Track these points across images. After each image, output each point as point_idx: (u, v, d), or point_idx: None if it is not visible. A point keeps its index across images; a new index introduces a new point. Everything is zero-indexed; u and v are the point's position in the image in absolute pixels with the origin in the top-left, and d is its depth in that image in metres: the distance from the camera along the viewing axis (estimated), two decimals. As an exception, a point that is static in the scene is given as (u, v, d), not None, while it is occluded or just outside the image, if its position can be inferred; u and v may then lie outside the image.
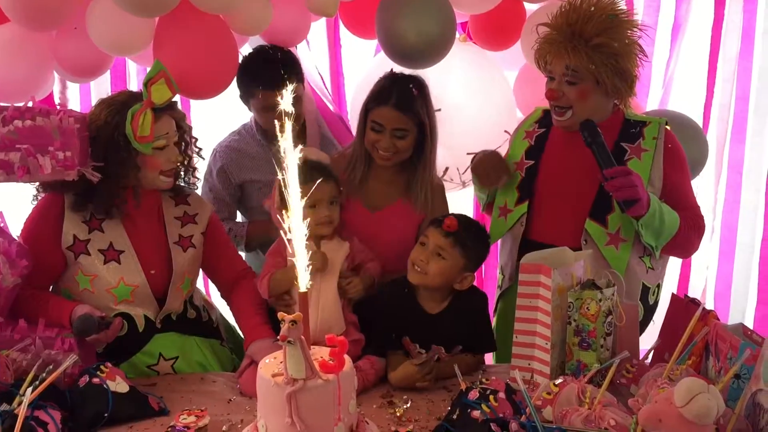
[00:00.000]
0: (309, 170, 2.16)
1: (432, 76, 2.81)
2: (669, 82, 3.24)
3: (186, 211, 2.27)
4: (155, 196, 2.22)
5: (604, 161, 2.14)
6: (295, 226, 1.48)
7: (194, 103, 3.08)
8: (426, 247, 2.14)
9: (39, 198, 2.16)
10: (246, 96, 2.68)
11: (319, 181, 2.08)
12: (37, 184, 2.11)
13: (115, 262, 2.12)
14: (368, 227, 2.38)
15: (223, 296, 2.41)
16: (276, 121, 1.47)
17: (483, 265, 3.33)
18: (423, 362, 2.04)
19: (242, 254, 2.62)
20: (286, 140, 1.48)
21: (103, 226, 2.13)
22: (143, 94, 2.03)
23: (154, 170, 2.12)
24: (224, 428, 1.83)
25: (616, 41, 2.19)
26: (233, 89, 2.66)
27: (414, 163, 2.41)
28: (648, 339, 2.22)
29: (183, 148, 2.21)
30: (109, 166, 2.05)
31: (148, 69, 2.07)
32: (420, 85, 2.38)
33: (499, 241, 2.52)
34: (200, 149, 2.32)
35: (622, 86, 2.23)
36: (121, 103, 2.06)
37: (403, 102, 2.31)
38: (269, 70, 2.52)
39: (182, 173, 2.26)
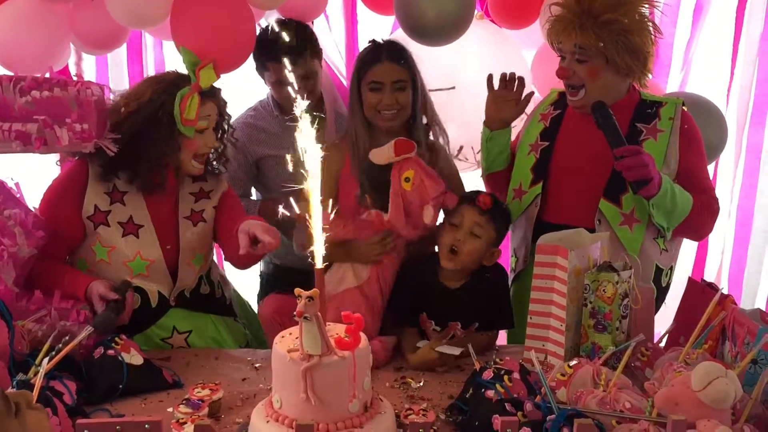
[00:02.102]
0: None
1: (447, 54, 2.79)
2: (689, 63, 3.19)
3: (202, 188, 2.27)
4: (178, 176, 2.21)
5: (616, 142, 2.12)
6: (314, 203, 1.48)
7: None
8: (460, 228, 2.13)
9: (63, 164, 2.16)
10: (261, 69, 2.66)
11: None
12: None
13: (134, 236, 2.12)
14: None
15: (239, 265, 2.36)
16: (291, 94, 1.46)
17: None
18: (444, 352, 2.03)
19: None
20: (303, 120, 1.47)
21: (125, 199, 2.13)
22: (191, 78, 2.05)
23: (189, 152, 2.12)
24: (238, 402, 1.84)
25: (626, 17, 2.17)
26: (251, 66, 2.64)
27: (411, 127, 2.39)
28: (660, 322, 2.21)
29: (220, 135, 2.21)
30: (150, 143, 2.06)
31: (171, 42, 2.07)
32: (399, 45, 2.41)
33: (511, 225, 2.50)
34: (237, 140, 2.33)
35: (634, 64, 2.21)
36: (169, 83, 2.07)
37: (395, 54, 2.34)
38: (283, 44, 2.50)
39: (213, 161, 2.26)
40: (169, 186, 2.17)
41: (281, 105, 2.71)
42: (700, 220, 2.27)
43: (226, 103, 2.23)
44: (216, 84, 2.19)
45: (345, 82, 3.10)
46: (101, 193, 2.11)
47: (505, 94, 2.36)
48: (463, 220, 2.14)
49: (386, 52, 2.34)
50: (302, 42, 2.57)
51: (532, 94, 2.41)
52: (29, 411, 1.19)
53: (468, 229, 2.13)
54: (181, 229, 2.20)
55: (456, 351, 2.03)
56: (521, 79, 2.37)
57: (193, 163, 2.15)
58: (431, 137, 2.44)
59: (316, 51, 2.67)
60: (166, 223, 2.19)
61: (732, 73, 3.15)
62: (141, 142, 2.06)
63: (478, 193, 2.19)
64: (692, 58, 3.18)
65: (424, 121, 2.41)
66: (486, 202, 2.14)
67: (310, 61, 2.61)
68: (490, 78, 2.38)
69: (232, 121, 2.73)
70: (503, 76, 2.38)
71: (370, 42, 2.43)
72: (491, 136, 2.39)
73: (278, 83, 2.62)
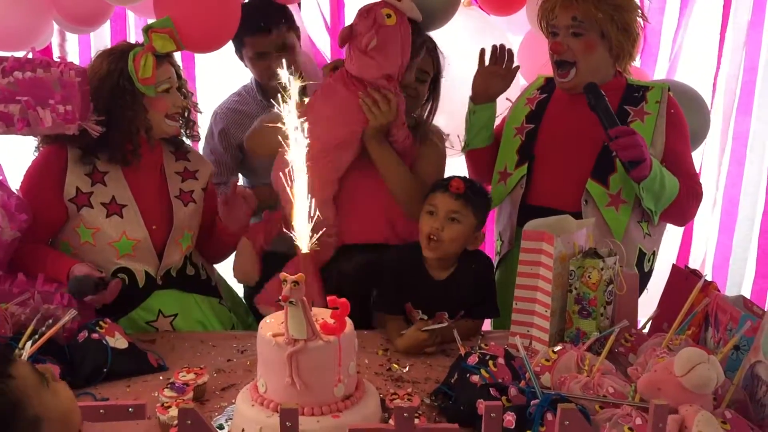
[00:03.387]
0: None
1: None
2: (677, 52, 3.19)
3: (186, 167, 2.27)
4: (156, 151, 2.21)
5: (609, 122, 2.14)
6: (297, 184, 1.47)
7: (198, 66, 3.03)
8: (436, 216, 2.12)
9: (41, 149, 2.14)
10: (238, 48, 2.65)
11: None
12: (40, 137, 2.09)
13: (117, 216, 2.11)
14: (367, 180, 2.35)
15: (209, 259, 2.41)
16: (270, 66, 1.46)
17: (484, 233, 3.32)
18: (432, 329, 2.04)
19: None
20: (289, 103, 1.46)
21: (106, 179, 2.12)
22: (144, 39, 2.04)
23: (159, 112, 2.12)
24: (223, 386, 1.84)
25: None
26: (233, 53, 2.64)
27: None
28: (643, 307, 2.22)
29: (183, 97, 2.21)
30: (118, 113, 2.06)
31: (150, 20, 2.05)
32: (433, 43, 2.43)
33: (495, 208, 2.51)
34: (196, 104, 2.32)
35: (625, 42, 2.26)
36: (121, 51, 2.08)
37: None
38: (255, 16, 2.50)
39: (183, 127, 2.25)
40: (149, 161, 2.16)
41: (264, 88, 2.70)
42: (685, 204, 2.29)
43: (180, 68, 2.24)
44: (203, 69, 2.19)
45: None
46: (82, 175, 2.10)
47: (495, 69, 2.39)
48: (438, 208, 2.12)
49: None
50: (277, 12, 2.58)
51: (518, 67, 2.44)
52: (55, 383, 1.21)
53: (445, 216, 2.10)
54: (174, 207, 2.20)
55: (443, 324, 2.04)
56: (510, 52, 2.41)
57: (167, 122, 2.14)
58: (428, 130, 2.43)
59: (291, 24, 2.66)
60: (152, 202, 2.18)
61: (719, 61, 3.16)
62: (110, 115, 2.06)
63: (450, 178, 2.16)
64: (680, 46, 3.18)
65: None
66: (459, 187, 2.10)
67: (286, 33, 2.60)
68: (482, 52, 2.41)
69: (215, 108, 2.74)
70: (494, 49, 2.41)
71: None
72: (475, 109, 2.41)
73: (256, 57, 2.61)
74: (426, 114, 2.44)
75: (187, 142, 2.35)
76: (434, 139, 2.43)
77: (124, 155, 2.11)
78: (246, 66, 2.71)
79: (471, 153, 2.51)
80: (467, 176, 2.36)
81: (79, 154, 2.09)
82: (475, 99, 2.41)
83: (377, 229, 2.35)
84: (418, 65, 2.33)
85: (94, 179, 2.11)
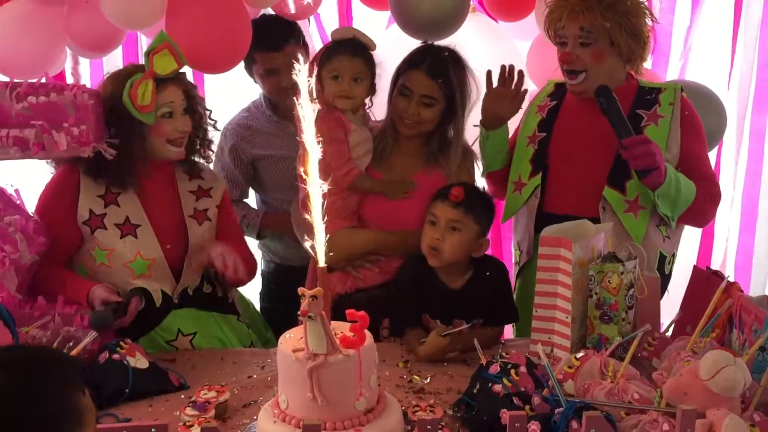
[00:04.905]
0: (335, 45, 2.27)
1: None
2: (689, 51, 3.17)
3: (200, 185, 2.26)
4: (169, 170, 2.21)
5: (622, 128, 2.12)
6: (314, 200, 1.47)
7: (207, 83, 3.05)
8: (437, 225, 2.11)
9: (55, 171, 2.15)
10: (248, 64, 2.66)
11: (343, 53, 2.21)
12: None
13: (132, 236, 2.11)
14: (388, 206, 2.33)
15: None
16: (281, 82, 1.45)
17: (500, 243, 3.30)
18: (451, 332, 2.02)
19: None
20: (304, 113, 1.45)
21: (119, 200, 2.12)
22: (145, 64, 2.03)
23: (160, 138, 2.10)
24: (245, 403, 1.83)
25: (627, 0, 2.20)
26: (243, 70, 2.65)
27: (440, 132, 2.34)
28: (664, 310, 2.20)
29: (196, 119, 2.19)
30: (119, 138, 2.05)
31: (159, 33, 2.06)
32: (455, 55, 2.32)
33: (513, 218, 2.49)
34: (215, 121, 2.31)
35: (635, 47, 2.23)
36: (124, 76, 2.06)
37: (435, 69, 2.26)
38: (265, 33, 2.51)
39: (198, 146, 2.24)
40: (162, 181, 2.16)
41: (274, 104, 2.71)
42: (703, 207, 2.27)
43: (194, 86, 2.23)
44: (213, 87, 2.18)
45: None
46: (94, 196, 2.10)
47: (503, 91, 2.35)
48: (439, 217, 2.11)
49: (428, 63, 2.26)
50: (287, 29, 2.59)
51: (526, 91, 2.40)
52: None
53: (445, 225, 2.10)
54: (189, 227, 2.20)
55: (464, 327, 2.03)
56: (521, 73, 2.36)
57: (168, 147, 2.12)
58: (462, 144, 2.37)
59: (300, 40, 2.67)
60: (166, 222, 2.18)
61: (732, 60, 3.14)
62: (117, 139, 2.05)
63: (450, 186, 2.14)
64: (691, 46, 3.16)
65: (450, 140, 2.34)
66: (458, 195, 2.09)
67: (297, 49, 2.59)
68: (489, 74, 2.36)
69: (225, 123, 2.75)
70: (503, 71, 2.36)
71: (423, 42, 2.38)
72: (488, 135, 2.38)
73: (267, 74, 2.62)
74: (451, 134, 2.35)
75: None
76: (464, 162, 2.37)
77: (122, 181, 2.10)
78: (256, 82, 2.72)
79: (490, 174, 2.50)
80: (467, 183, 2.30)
81: (90, 175, 2.09)
82: (486, 125, 2.36)
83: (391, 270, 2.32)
84: (420, 91, 2.24)
85: (108, 200, 2.11)
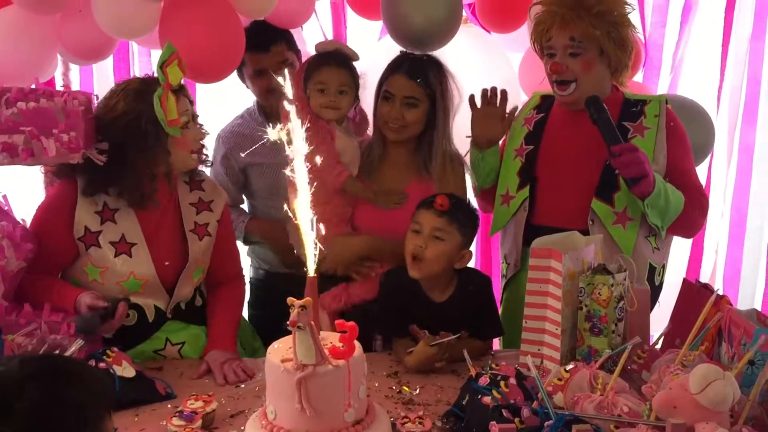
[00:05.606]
0: (320, 57, 2.29)
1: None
2: (679, 65, 3.19)
3: (201, 198, 2.23)
4: (171, 183, 2.18)
5: (611, 137, 2.13)
6: (302, 209, 1.47)
7: (199, 92, 3.05)
8: (421, 233, 2.11)
9: (51, 184, 2.12)
10: (239, 68, 2.65)
11: (328, 66, 2.24)
12: (51, 170, 2.08)
13: (126, 255, 2.08)
14: (380, 215, 2.35)
15: (205, 285, 2.33)
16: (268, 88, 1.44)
17: (490, 256, 3.31)
18: (439, 342, 2.02)
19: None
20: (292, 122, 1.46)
21: (116, 216, 2.08)
22: (159, 78, 1.99)
23: (184, 150, 2.09)
24: (232, 413, 1.82)
25: (614, 10, 2.23)
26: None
27: (427, 139, 2.37)
28: (654, 322, 2.21)
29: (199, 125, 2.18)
30: (135, 155, 2.01)
31: (159, 51, 2.04)
32: (435, 59, 2.38)
33: (500, 231, 2.49)
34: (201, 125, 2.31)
35: (623, 56, 2.26)
36: (137, 91, 2.02)
37: (415, 70, 2.32)
38: (254, 34, 2.52)
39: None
40: (163, 195, 2.13)
41: (266, 111, 2.70)
42: (692, 216, 2.28)
43: (189, 93, 2.22)
44: (208, 94, 2.17)
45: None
46: (91, 212, 2.06)
47: (489, 111, 2.36)
48: (423, 226, 2.11)
49: (407, 66, 2.33)
50: (276, 31, 2.60)
51: (516, 108, 2.40)
52: None
53: (429, 234, 2.10)
54: (189, 242, 2.16)
55: (452, 337, 2.03)
56: (504, 93, 2.37)
57: (192, 157, 2.12)
58: (449, 149, 2.40)
59: (291, 44, 2.67)
60: (166, 237, 2.14)
61: (722, 74, 3.16)
62: (126, 156, 2.01)
63: (435, 195, 2.15)
64: (682, 60, 3.18)
65: (438, 142, 2.36)
66: (443, 204, 2.09)
67: (286, 52, 2.62)
68: (472, 98, 2.38)
69: (219, 131, 2.74)
70: (484, 93, 2.38)
71: (401, 53, 2.43)
72: (482, 156, 2.38)
73: (256, 75, 2.62)
74: (437, 139, 2.36)
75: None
76: (451, 168, 2.38)
77: (141, 200, 2.06)
78: (247, 86, 2.72)
79: (483, 192, 2.51)
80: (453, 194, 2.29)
81: (88, 190, 2.05)
82: (477, 144, 2.37)
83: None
84: (402, 93, 2.28)
85: (104, 216, 2.07)
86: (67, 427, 1.08)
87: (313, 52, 2.47)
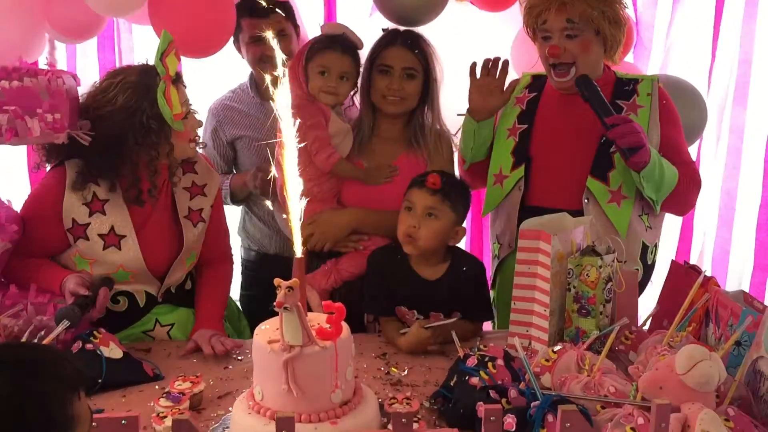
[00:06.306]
0: (326, 39, 2.30)
1: (426, 37, 2.75)
2: (671, 46, 3.17)
3: (194, 181, 2.19)
4: (164, 168, 2.13)
5: (603, 110, 2.13)
6: (291, 188, 1.45)
7: (189, 68, 3.01)
8: (413, 212, 2.11)
9: (38, 166, 2.09)
10: (235, 35, 2.62)
11: (332, 50, 2.25)
12: (43, 152, 2.05)
13: (115, 248, 2.04)
14: (367, 191, 2.35)
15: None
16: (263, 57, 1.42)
17: (481, 236, 3.30)
18: (434, 325, 2.03)
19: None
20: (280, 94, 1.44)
21: (106, 207, 2.04)
22: (160, 70, 1.94)
23: (184, 141, 2.06)
24: (220, 394, 1.81)
25: None
26: (229, 52, 2.61)
27: (419, 113, 2.39)
28: (647, 301, 2.21)
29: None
30: (135, 152, 1.98)
31: (145, 27, 2.01)
32: (422, 35, 2.41)
33: (491, 212, 2.48)
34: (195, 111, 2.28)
35: (617, 33, 2.25)
36: (136, 84, 1.96)
37: (410, 41, 2.35)
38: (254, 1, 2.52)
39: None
40: (160, 187, 2.09)
41: (258, 86, 2.69)
42: (686, 191, 2.29)
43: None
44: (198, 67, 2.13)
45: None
46: (79, 204, 2.01)
47: (489, 82, 2.34)
48: (416, 204, 2.11)
49: (402, 38, 2.35)
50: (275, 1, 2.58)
51: (517, 81, 2.40)
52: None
53: (422, 212, 2.10)
54: (184, 229, 2.14)
55: (448, 321, 2.04)
56: (505, 63, 2.35)
57: (191, 146, 2.10)
58: (438, 126, 2.43)
59: (291, 15, 2.65)
60: (158, 224, 2.11)
61: (713, 55, 3.15)
62: (122, 150, 1.97)
63: (427, 173, 2.15)
64: (673, 40, 3.17)
65: (429, 118, 2.40)
66: (435, 182, 2.09)
67: (284, 21, 2.60)
68: (473, 66, 2.36)
69: (210, 105, 2.72)
70: (486, 63, 2.35)
71: (384, 29, 2.43)
72: (478, 127, 2.36)
73: (252, 41, 2.59)
74: (426, 115, 2.40)
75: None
76: (440, 144, 2.40)
77: (139, 195, 2.03)
78: (242, 56, 2.69)
79: (473, 166, 2.48)
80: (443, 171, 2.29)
81: (77, 181, 2.00)
82: (474, 116, 2.35)
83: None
84: (401, 64, 2.30)
85: (93, 208, 2.02)
86: (31, 417, 1.07)
87: (306, 29, 2.45)
